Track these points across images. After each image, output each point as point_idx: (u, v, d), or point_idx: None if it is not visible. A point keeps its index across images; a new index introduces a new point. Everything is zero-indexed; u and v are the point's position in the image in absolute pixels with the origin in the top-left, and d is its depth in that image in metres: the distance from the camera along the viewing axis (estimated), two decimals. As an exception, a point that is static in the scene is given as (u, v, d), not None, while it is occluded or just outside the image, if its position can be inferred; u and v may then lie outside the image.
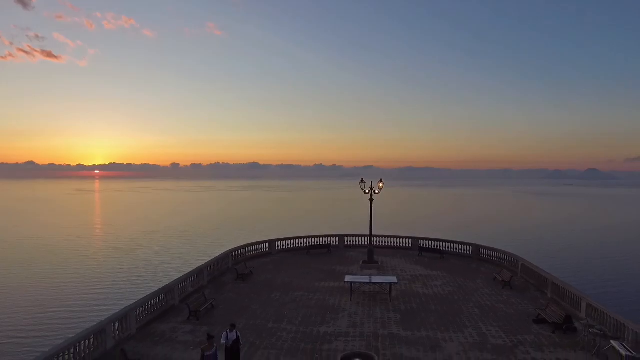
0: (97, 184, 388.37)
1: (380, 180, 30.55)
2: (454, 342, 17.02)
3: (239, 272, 26.44)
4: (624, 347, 13.76)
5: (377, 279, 23.80)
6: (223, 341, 14.23)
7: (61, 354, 13.53)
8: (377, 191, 30.33)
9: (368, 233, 31.43)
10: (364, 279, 23.72)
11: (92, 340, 15.08)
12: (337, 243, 36.43)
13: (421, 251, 33.80)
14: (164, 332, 17.93)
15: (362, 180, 30.24)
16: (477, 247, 32.93)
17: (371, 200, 30.38)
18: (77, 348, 14.36)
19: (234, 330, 14.51)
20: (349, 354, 15.22)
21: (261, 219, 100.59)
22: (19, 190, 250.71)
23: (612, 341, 14.41)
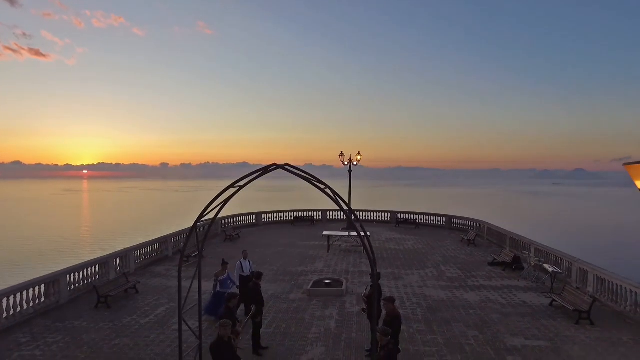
0: (85, 184, 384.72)
1: (358, 153, 33.03)
2: (415, 275, 19.49)
3: (227, 234, 28.70)
4: (551, 266, 16.32)
5: (353, 233, 26.22)
6: (241, 272, 13.94)
7: (71, 273, 15.68)
8: (355, 163, 32.81)
9: (348, 205, 33.85)
10: (342, 233, 26.15)
11: (96, 267, 17.21)
12: (320, 218, 38.78)
13: (398, 223, 36.30)
14: (160, 271, 20.15)
15: (342, 153, 32.64)
16: (450, 218, 35.51)
17: (350, 171, 32.87)
18: (84, 273, 16.52)
19: (247, 259, 14.53)
20: (320, 279, 17.62)
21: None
22: (4, 190, 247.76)
23: (545, 265, 16.94)
